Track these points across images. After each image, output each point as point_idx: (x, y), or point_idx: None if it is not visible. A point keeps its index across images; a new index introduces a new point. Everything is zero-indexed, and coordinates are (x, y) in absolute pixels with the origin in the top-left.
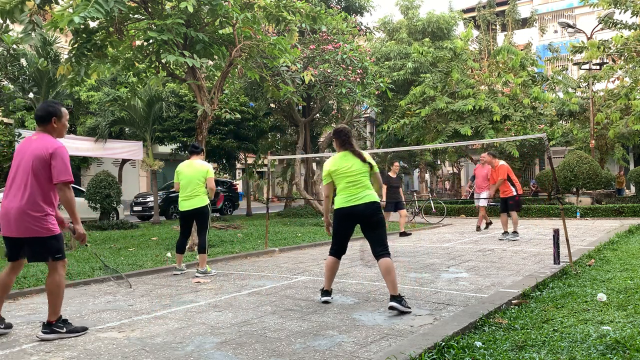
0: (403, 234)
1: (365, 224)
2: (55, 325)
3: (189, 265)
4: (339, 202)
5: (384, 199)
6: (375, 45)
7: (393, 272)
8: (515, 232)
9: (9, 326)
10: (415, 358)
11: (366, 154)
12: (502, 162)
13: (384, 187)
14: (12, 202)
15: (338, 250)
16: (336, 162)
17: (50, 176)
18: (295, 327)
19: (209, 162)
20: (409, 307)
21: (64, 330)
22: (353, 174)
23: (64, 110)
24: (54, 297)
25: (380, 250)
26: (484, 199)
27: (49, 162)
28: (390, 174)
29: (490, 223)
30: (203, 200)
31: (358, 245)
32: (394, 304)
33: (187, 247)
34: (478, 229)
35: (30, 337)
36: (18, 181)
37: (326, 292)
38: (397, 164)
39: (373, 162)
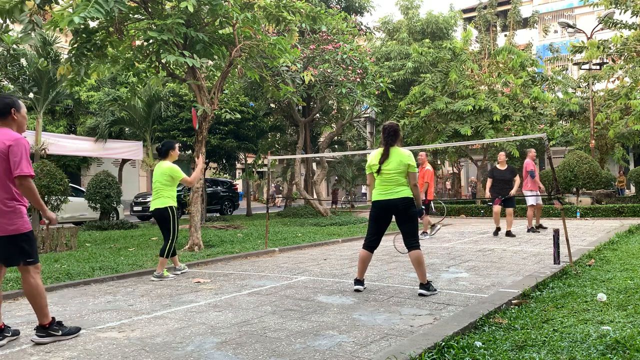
0: (508, 234)
1: (399, 216)
2: (50, 329)
3: (190, 265)
4: (376, 195)
5: (487, 193)
6: (376, 45)
7: (423, 263)
8: (424, 232)
9: (15, 333)
10: (415, 358)
11: (406, 152)
12: (428, 166)
13: (489, 181)
14: None
15: (371, 243)
16: (374, 157)
17: (10, 169)
18: (295, 327)
19: (208, 162)
20: (435, 290)
21: (60, 333)
22: (390, 172)
23: (21, 102)
24: (35, 300)
25: (411, 242)
26: (533, 196)
27: (8, 155)
28: (498, 166)
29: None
30: (164, 202)
31: (357, 246)
32: (422, 291)
33: (187, 246)
34: (532, 229)
35: (30, 337)
36: None
37: (358, 282)
38: (502, 153)
39: (412, 162)
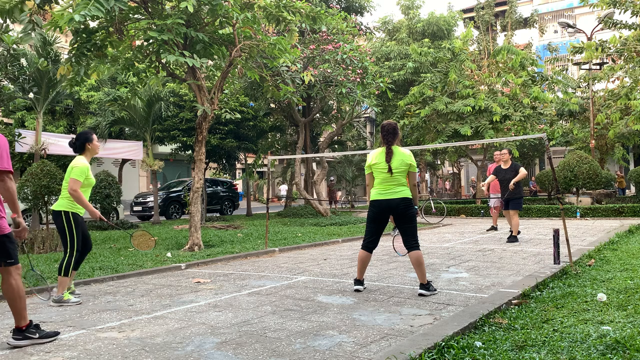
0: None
1: (398, 217)
2: (27, 331)
3: (190, 265)
4: (374, 195)
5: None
6: (376, 45)
7: (423, 263)
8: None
9: None
10: (415, 358)
11: (407, 152)
12: None
13: (490, 177)
14: None
15: (369, 243)
16: (376, 156)
17: None
18: (295, 327)
19: (208, 162)
20: (435, 290)
21: (37, 335)
22: (392, 171)
23: None
24: (15, 303)
25: (411, 242)
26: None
27: None
28: (502, 165)
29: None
30: (58, 204)
31: (357, 246)
32: (422, 291)
33: (187, 246)
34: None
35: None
36: None
37: (358, 282)
38: (504, 151)
39: (413, 162)
